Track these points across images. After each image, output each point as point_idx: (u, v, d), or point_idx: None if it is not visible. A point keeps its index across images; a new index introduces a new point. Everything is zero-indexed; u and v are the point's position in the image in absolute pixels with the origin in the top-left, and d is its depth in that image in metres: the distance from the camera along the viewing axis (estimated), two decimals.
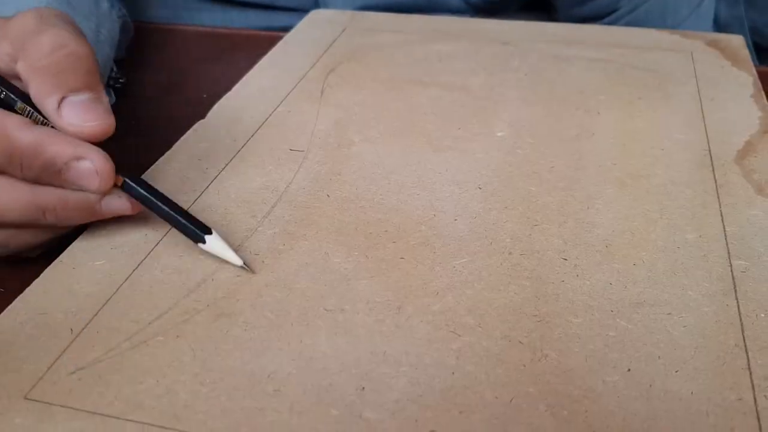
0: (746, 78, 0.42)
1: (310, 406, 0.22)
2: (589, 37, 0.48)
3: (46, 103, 0.27)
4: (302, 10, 0.55)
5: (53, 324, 0.25)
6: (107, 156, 0.27)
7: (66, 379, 0.23)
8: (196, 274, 0.27)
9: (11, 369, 0.24)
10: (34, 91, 0.27)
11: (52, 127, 0.27)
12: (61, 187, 0.27)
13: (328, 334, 0.25)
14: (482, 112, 0.39)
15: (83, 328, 0.25)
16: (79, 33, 0.29)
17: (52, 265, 0.28)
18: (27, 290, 0.27)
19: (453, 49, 0.46)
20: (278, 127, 0.37)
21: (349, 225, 0.30)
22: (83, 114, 0.27)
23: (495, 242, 0.29)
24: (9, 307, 0.26)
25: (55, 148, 0.26)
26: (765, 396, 0.22)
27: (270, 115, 0.39)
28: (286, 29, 0.50)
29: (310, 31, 0.49)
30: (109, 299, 0.26)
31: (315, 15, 0.52)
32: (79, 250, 0.29)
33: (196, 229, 0.28)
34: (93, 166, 0.26)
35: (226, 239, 0.28)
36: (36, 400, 0.22)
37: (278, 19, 0.59)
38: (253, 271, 0.27)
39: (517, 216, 0.31)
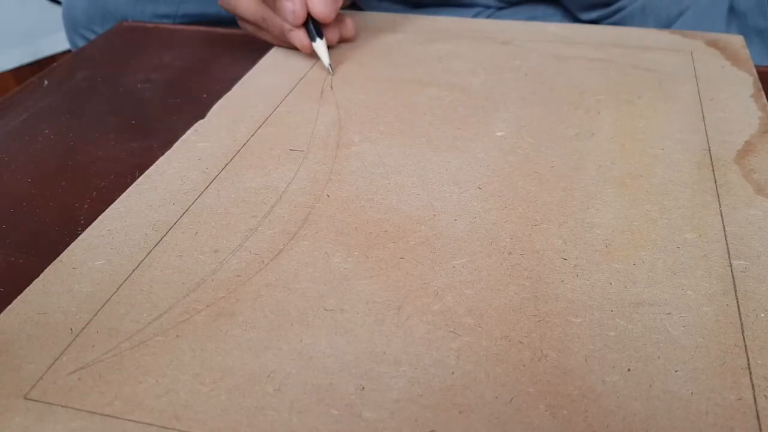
0: (746, 78, 0.42)
1: (309, 405, 0.22)
2: (589, 37, 0.48)
3: None
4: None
5: (53, 324, 0.25)
6: (305, 6, 0.42)
7: (66, 378, 0.23)
8: (196, 274, 0.27)
9: (11, 369, 0.24)
10: None
11: None
12: (276, 12, 0.43)
13: (328, 334, 0.25)
14: (482, 112, 0.39)
15: (83, 328, 0.25)
16: None
17: (52, 265, 0.28)
18: (27, 290, 0.27)
19: (453, 49, 0.46)
20: (278, 127, 0.37)
21: (349, 225, 0.30)
22: (323, 1, 0.42)
23: (495, 242, 0.29)
24: (9, 307, 0.26)
25: None
26: (765, 396, 0.22)
27: (270, 115, 0.39)
28: None
29: None
30: (109, 299, 0.26)
31: None
32: (79, 250, 0.29)
33: (314, 33, 0.43)
34: (291, 7, 0.42)
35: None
36: (36, 400, 0.22)
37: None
38: (331, 73, 0.43)
39: (517, 216, 0.31)
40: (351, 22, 0.47)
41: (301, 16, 0.42)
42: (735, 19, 0.58)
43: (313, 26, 0.43)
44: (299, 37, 0.43)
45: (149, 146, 0.37)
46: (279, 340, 0.25)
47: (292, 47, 0.45)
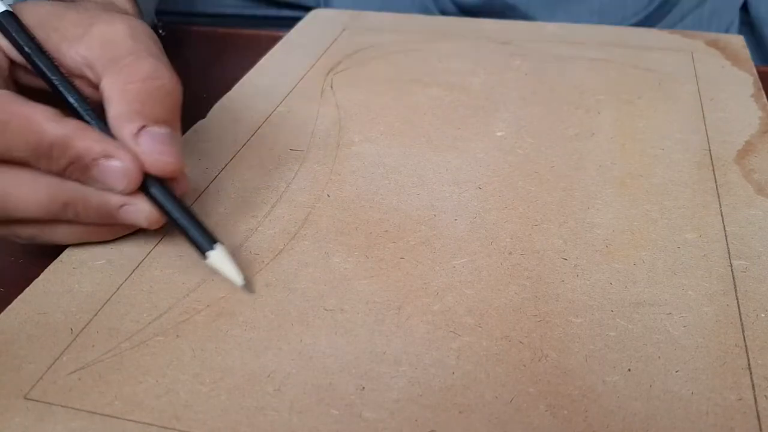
0: (746, 78, 0.42)
1: (310, 405, 0.22)
2: (589, 37, 0.48)
3: (125, 127, 0.26)
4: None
5: (53, 324, 0.25)
6: (138, 158, 0.26)
7: (66, 378, 0.23)
8: (196, 274, 0.27)
9: (11, 369, 0.24)
10: (115, 112, 0.26)
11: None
12: (86, 184, 0.26)
13: (328, 334, 0.25)
14: (482, 112, 0.39)
15: (83, 328, 0.25)
16: (169, 64, 0.29)
17: (52, 265, 0.28)
18: (27, 290, 0.27)
19: (453, 49, 0.46)
20: (278, 127, 0.37)
21: (349, 225, 0.30)
22: (160, 147, 0.26)
23: (495, 242, 0.29)
24: (9, 307, 0.26)
25: (85, 143, 0.25)
26: (765, 396, 0.22)
27: (270, 115, 0.39)
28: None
29: (310, 30, 0.49)
30: (109, 299, 0.26)
31: (315, 14, 0.52)
32: (79, 250, 0.29)
33: (202, 242, 0.27)
34: (121, 166, 0.26)
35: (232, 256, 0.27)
36: (36, 400, 0.22)
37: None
38: (252, 292, 0.27)
39: (517, 216, 0.31)
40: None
41: (136, 176, 0.26)
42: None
43: (174, 207, 0.27)
44: (140, 210, 0.27)
45: None
46: (279, 340, 0.25)
47: (115, 234, 0.29)
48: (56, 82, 0.28)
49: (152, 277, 0.27)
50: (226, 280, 0.27)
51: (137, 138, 0.26)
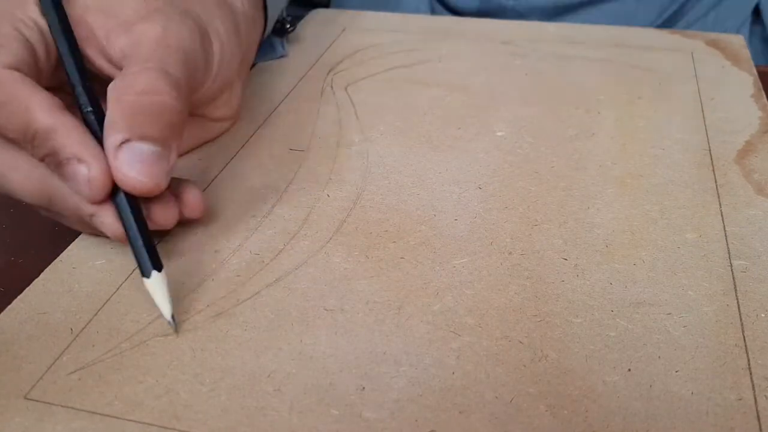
0: (746, 78, 0.42)
1: (310, 405, 0.22)
2: (589, 37, 0.48)
3: (110, 137, 0.25)
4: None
5: (53, 324, 0.25)
6: (109, 170, 0.25)
7: (66, 378, 0.23)
8: (196, 274, 0.27)
9: (11, 369, 0.24)
10: (107, 120, 0.26)
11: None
12: (63, 182, 0.26)
13: (328, 334, 0.25)
14: (482, 112, 0.39)
15: (83, 328, 0.25)
16: (186, 80, 0.28)
17: (52, 265, 0.28)
18: (27, 290, 0.27)
19: (453, 49, 0.46)
20: (278, 127, 0.37)
21: (349, 225, 0.30)
22: (138, 164, 0.25)
23: (495, 242, 0.29)
24: (9, 307, 0.26)
25: (63, 140, 0.25)
26: (765, 396, 0.22)
27: (270, 115, 0.39)
28: None
29: (309, 30, 0.49)
30: (110, 299, 0.26)
31: (315, 14, 0.52)
32: (79, 250, 0.29)
33: (146, 265, 0.25)
34: (87, 173, 0.25)
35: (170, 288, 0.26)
36: (36, 400, 0.22)
37: None
38: (176, 333, 0.25)
39: (517, 216, 0.31)
40: (196, 193, 0.29)
41: (101, 187, 0.25)
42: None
43: (130, 224, 0.26)
44: (105, 223, 0.26)
45: None
46: (279, 340, 0.25)
47: (100, 234, 0.28)
48: (71, 76, 0.27)
49: None
50: (225, 279, 0.27)
51: (117, 151, 0.25)
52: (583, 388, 0.23)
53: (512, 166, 0.34)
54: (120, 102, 0.26)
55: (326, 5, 0.57)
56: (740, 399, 0.22)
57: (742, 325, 0.25)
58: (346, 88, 0.41)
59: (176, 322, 0.25)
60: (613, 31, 0.49)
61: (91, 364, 0.24)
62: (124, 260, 0.28)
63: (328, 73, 0.43)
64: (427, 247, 0.29)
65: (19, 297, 0.26)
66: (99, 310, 0.26)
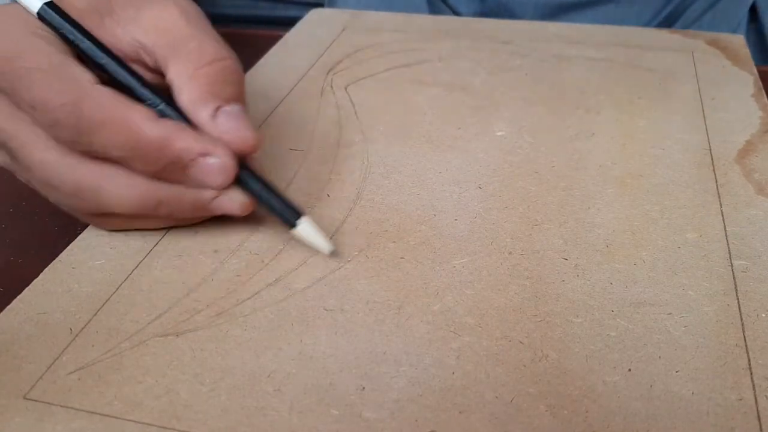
0: (747, 77, 0.42)
1: (310, 405, 0.22)
2: (589, 37, 0.48)
3: (201, 110, 0.27)
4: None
5: (53, 324, 0.25)
6: (232, 152, 0.26)
7: (65, 378, 0.23)
8: (196, 274, 0.27)
9: (11, 369, 0.23)
10: (188, 97, 0.27)
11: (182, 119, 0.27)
12: (179, 182, 0.27)
13: (328, 334, 0.25)
14: (482, 111, 0.39)
15: (83, 328, 0.25)
16: (224, 42, 0.29)
17: (51, 265, 0.28)
18: (27, 290, 0.27)
19: (453, 49, 0.46)
20: (278, 127, 0.37)
21: (349, 225, 0.30)
22: (236, 123, 0.27)
23: (495, 242, 0.29)
24: (9, 307, 0.26)
25: (183, 143, 0.26)
26: (766, 396, 0.22)
27: (270, 114, 0.39)
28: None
29: (310, 30, 0.49)
30: (109, 299, 0.26)
31: (315, 14, 0.52)
32: (79, 250, 0.29)
33: (289, 215, 0.28)
34: (220, 162, 0.26)
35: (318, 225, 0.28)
36: (35, 400, 0.22)
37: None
38: (339, 257, 0.28)
39: (518, 216, 0.30)
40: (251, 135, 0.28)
41: (232, 168, 0.27)
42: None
43: (260, 186, 0.28)
44: (233, 199, 0.28)
45: None
46: (279, 340, 0.25)
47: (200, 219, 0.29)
48: (110, 68, 0.27)
49: (152, 277, 0.27)
50: (225, 279, 0.27)
51: (215, 119, 0.27)
52: (583, 388, 0.23)
53: (512, 166, 0.34)
54: (196, 77, 0.27)
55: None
56: (741, 399, 0.22)
57: (742, 325, 0.25)
58: (346, 88, 0.41)
59: (338, 251, 0.28)
60: (614, 31, 0.49)
61: (90, 364, 0.24)
62: (124, 260, 0.28)
63: (328, 73, 0.43)
64: (427, 247, 0.29)
65: (18, 297, 0.26)
66: (98, 310, 0.26)
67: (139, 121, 0.26)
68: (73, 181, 0.26)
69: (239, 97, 0.28)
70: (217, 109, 0.27)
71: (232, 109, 0.27)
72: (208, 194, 0.27)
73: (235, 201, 0.28)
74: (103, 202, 0.27)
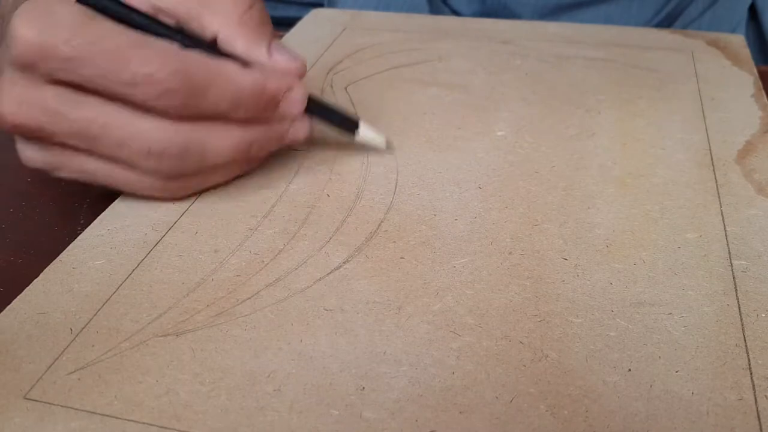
0: (747, 77, 0.42)
1: (310, 405, 0.22)
2: (589, 36, 0.48)
3: (258, 51, 0.30)
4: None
5: (53, 324, 0.25)
6: (304, 82, 0.30)
7: (65, 378, 0.23)
8: (196, 274, 0.27)
9: (11, 369, 0.23)
10: (245, 41, 0.29)
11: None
12: (266, 121, 0.30)
13: (328, 334, 0.25)
14: (482, 111, 0.39)
15: (83, 328, 0.25)
16: None
17: (51, 265, 0.28)
18: (27, 290, 0.27)
19: (453, 48, 0.46)
20: None
21: (349, 225, 0.30)
22: (289, 54, 0.30)
23: (495, 242, 0.29)
24: (9, 306, 0.26)
25: (274, 84, 0.29)
26: (766, 396, 0.22)
27: None
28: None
29: (309, 30, 0.49)
30: (109, 299, 0.26)
31: (315, 14, 0.52)
32: (79, 250, 0.29)
33: (349, 125, 0.33)
34: (302, 92, 0.30)
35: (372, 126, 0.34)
36: (35, 400, 0.22)
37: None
38: (392, 150, 0.34)
39: (518, 216, 0.30)
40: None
41: (306, 94, 0.31)
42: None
43: (318, 104, 0.33)
44: (302, 126, 0.32)
45: None
46: (279, 340, 0.25)
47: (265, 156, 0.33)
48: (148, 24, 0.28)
49: (152, 277, 0.27)
50: (225, 279, 0.27)
51: (271, 57, 0.30)
52: (583, 388, 0.23)
53: (512, 166, 0.34)
54: (244, 23, 0.30)
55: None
56: (741, 399, 0.22)
57: (742, 325, 0.25)
58: (346, 88, 0.41)
59: (391, 145, 0.35)
60: (614, 31, 0.49)
61: (90, 364, 0.24)
62: (124, 260, 0.28)
63: (328, 73, 0.43)
64: (427, 247, 0.29)
65: (18, 297, 0.26)
66: (99, 310, 0.26)
67: (233, 73, 0.28)
68: (180, 143, 0.28)
69: (273, 32, 0.31)
70: (269, 46, 0.30)
71: (277, 43, 0.30)
72: (286, 125, 0.31)
73: (303, 128, 0.31)
74: (208, 157, 0.29)
